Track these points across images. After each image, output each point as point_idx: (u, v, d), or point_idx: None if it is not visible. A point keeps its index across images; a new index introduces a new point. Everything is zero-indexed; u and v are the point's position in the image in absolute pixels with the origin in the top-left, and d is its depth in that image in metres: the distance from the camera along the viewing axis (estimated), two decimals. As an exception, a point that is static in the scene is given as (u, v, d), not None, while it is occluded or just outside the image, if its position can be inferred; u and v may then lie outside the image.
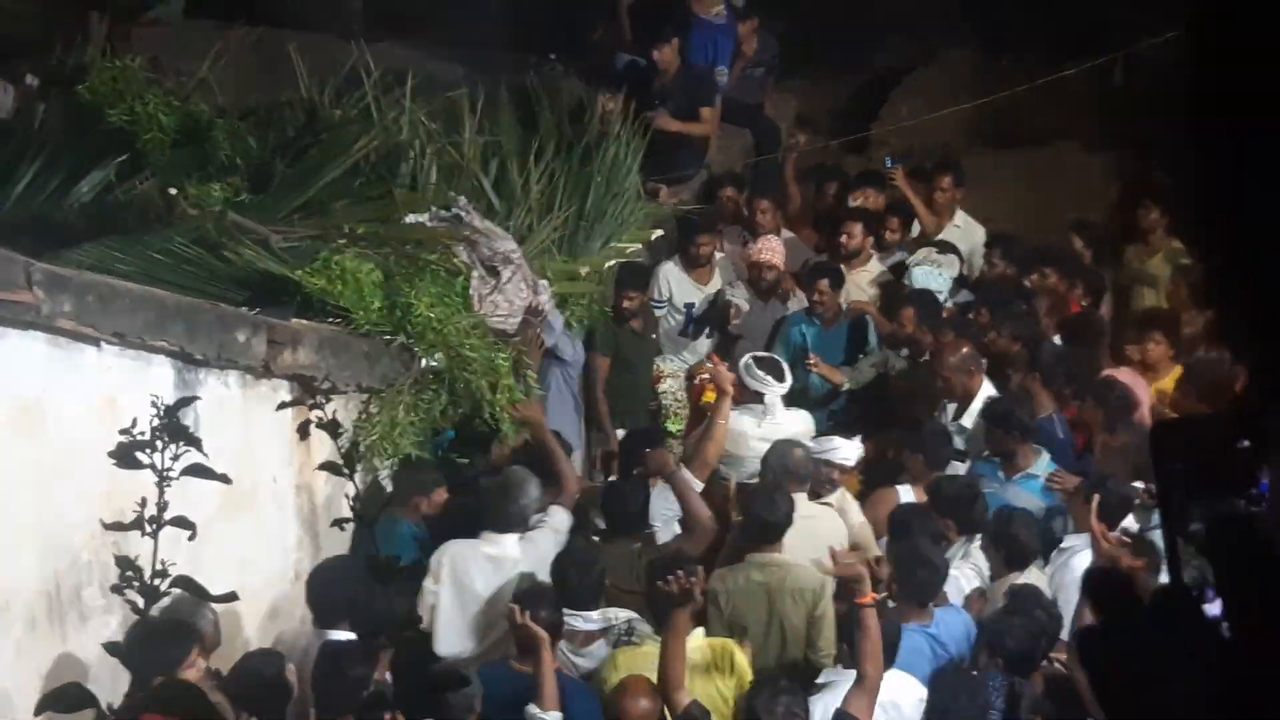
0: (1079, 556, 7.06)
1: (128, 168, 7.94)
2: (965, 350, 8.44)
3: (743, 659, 6.33)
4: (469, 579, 6.86)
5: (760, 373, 8.19)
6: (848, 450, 7.95)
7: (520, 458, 7.51)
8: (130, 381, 5.80)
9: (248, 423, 6.49)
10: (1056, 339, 9.10)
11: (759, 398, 8.14)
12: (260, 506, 6.72)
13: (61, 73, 8.50)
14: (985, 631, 6.32)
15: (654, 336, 9.58)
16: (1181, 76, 2.22)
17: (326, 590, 6.32)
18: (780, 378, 8.26)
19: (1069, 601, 6.69)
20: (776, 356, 8.64)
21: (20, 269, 5.24)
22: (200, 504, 6.07)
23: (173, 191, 7.59)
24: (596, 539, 7.32)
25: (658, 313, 9.79)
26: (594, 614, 6.58)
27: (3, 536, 5.30)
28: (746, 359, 8.38)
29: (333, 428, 3.45)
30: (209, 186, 7.82)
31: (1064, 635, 6.54)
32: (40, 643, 5.46)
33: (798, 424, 8.29)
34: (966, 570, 7.15)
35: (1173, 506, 2.38)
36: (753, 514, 7.09)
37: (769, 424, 8.06)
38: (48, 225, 7.37)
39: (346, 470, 3.41)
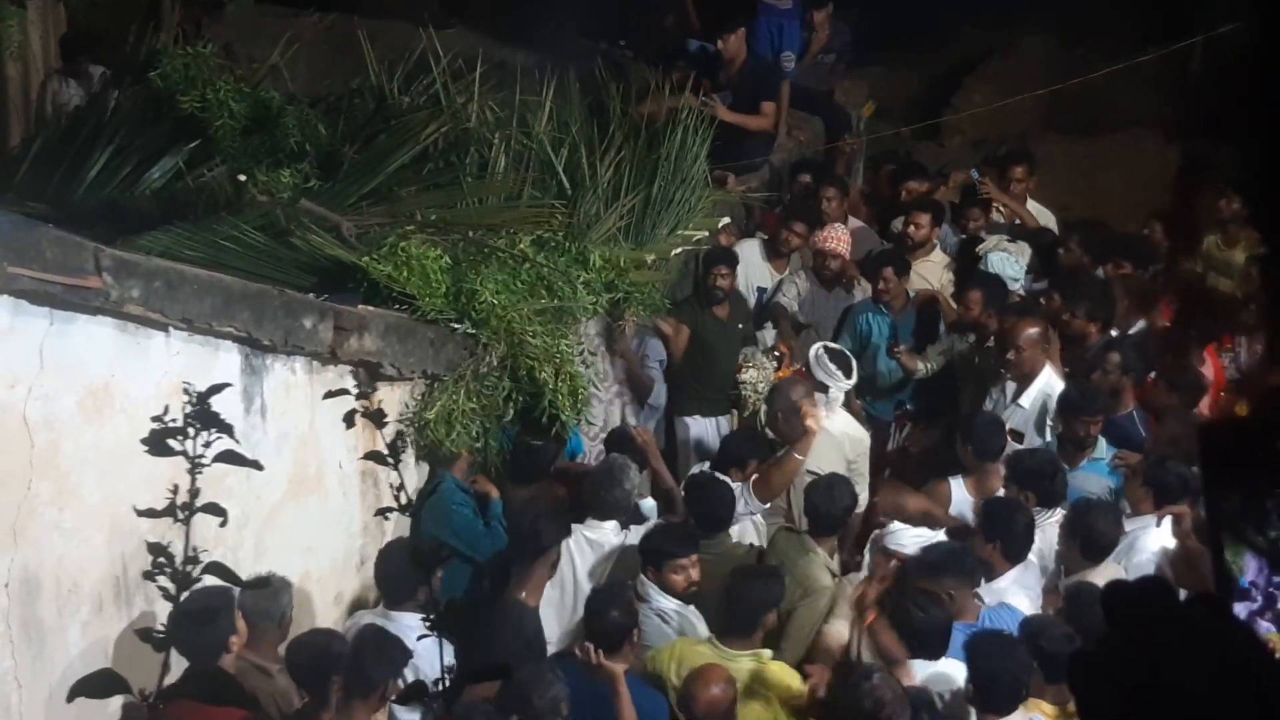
0: (1144, 539, 6.94)
1: (198, 154, 7.98)
2: (1037, 329, 8.33)
3: (781, 674, 6.26)
4: (566, 561, 6.90)
5: (831, 365, 8.21)
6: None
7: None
8: (198, 367, 5.84)
9: (313, 408, 6.51)
10: (1141, 324, 9.00)
11: (823, 387, 8.16)
12: (326, 492, 6.76)
13: (134, 60, 8.56)
14: (1022, 629, 6.17)
15: (740, 326, 9.46)
16: (1258, 62, 2.17)
17: (394, 571, 6.36)
18: (849, 374, 8.29)
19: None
20: (847, 352, 8.59)
21: (90, 255, 5.28)
22: (265, 490, 6.17)
23: (242, 178, 7.62)
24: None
25: None
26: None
27: (72, 520, 5.36)
28: (818, 349, 8.37)
29: (378, 417, 3.43)
30: (279, 173, 7.86)
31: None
32: (106, 625, 5.51)
33: (851, 430, 8.32)
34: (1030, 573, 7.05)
35: (1220, 506, 2.33)
36: (812, 505, 7.12)
37: (829, 419, 8.06)
38: (119, 212, 7.43)
39: (391, 460, 3.39)
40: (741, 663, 6.20)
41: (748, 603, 6.35)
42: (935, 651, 6.14)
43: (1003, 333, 8.48)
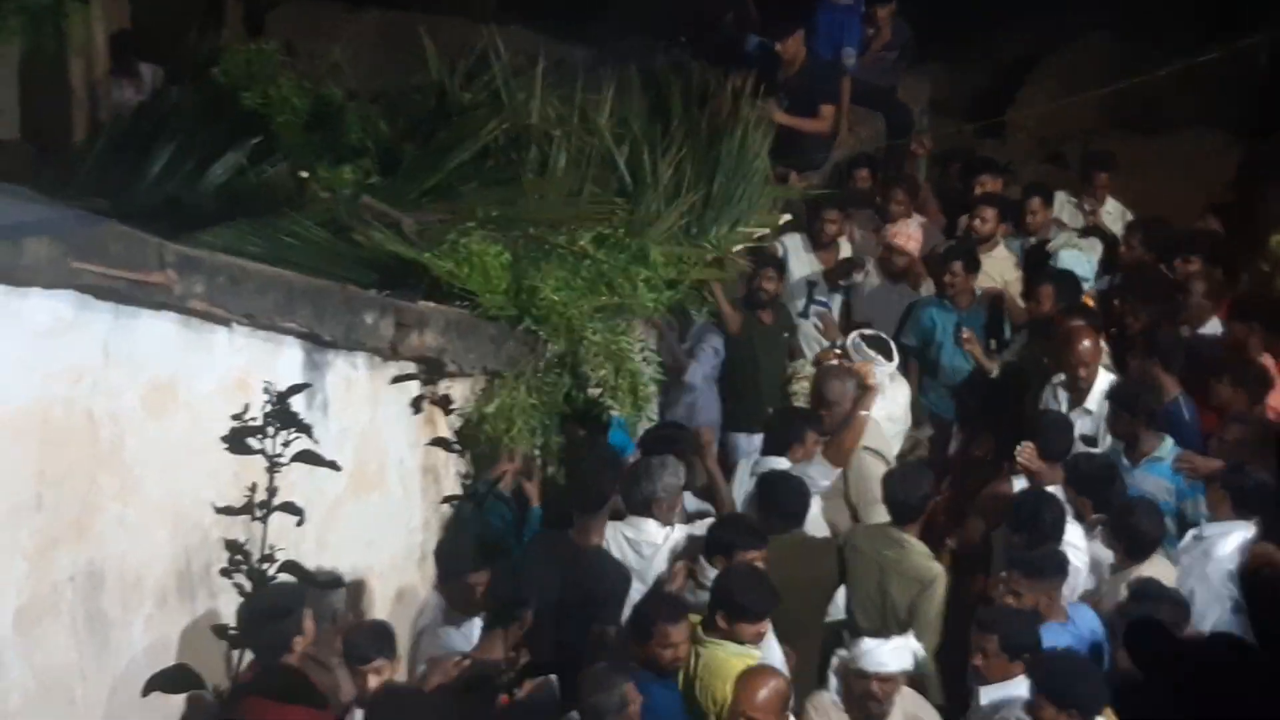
0: (1222, 545, 6.86)
1: (260, 151, 8.00)
2: (1090, 338, 8.29)
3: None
4: None
5: (870, 351, 8.32)
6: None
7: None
8: (260, 362, 5.85)
9: (375, 404, 6.52)
10: (1216, 323, 8.92)
11: None
12: (387, 487, 6.76)
13: (196, 57, 8.61)
14: (1118, 633, 6.14)
15: (786, 335, 9.41)
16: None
17: (455, 569, 6.38)
18: (889, 355, 8.41)
19: (1211, 593, 6.56)
20: (883, 335, 8.65)
21: (153, 250, 5.30)
22: (327, 485, 6.18)
23: (304, 174, 7.65)
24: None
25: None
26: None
27: (136, 514, 5.38)
28: (854, 337, 8.48)
29: (444, 403, 3.44)
30: (340, 169, 7.88)
31: (1203, 627, 6.42)
32: (170, 619, 5.53)
33: (902, 394, 8.58)
34: (1080, 562, 7.02)
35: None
36: (892, 493, 7.14)
37: (882, 401, 8.16)
38: (182, 208, 7.46)
39: (458, 446, 3.39)
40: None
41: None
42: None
43: (1063, 337, 8.42)
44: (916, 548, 7.02)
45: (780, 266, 9.31)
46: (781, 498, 7.12)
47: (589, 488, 6.76)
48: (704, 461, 7.67)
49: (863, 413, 7.71)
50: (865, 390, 7.80)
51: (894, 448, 8.40)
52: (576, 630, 6.37)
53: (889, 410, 8.36)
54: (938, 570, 6.94)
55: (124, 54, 9.63)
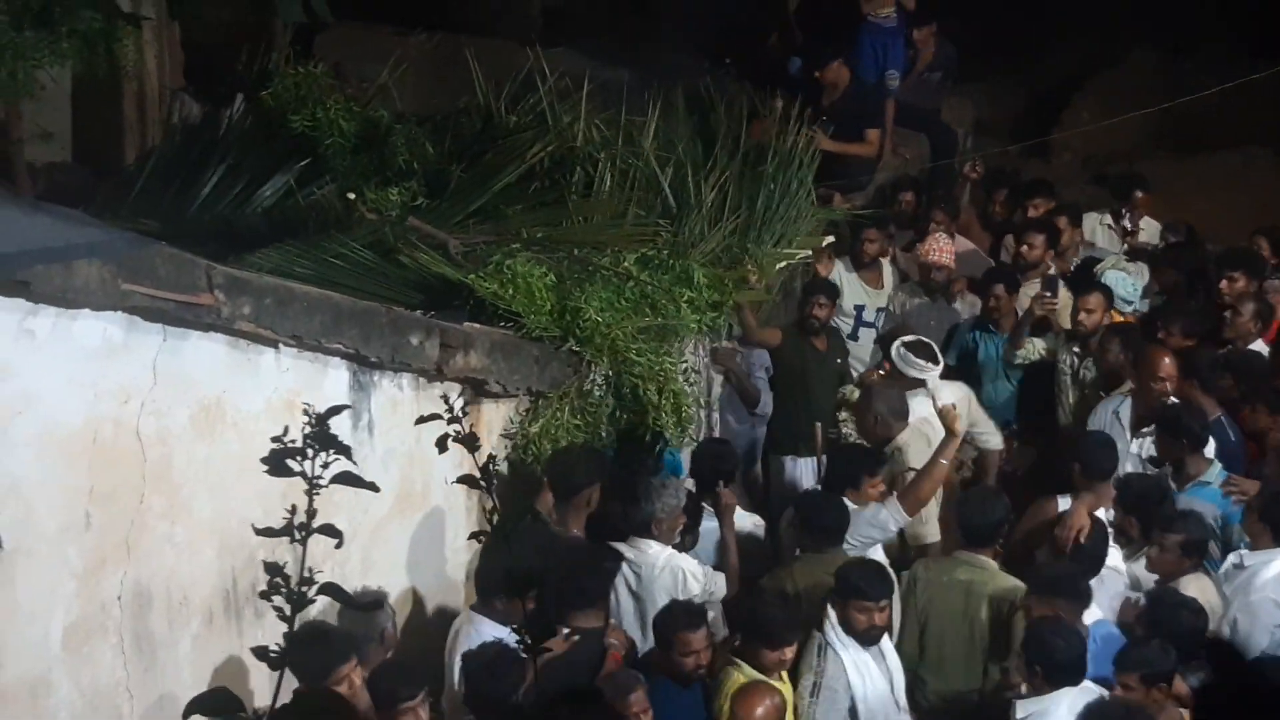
0: (1265, 573, 6.77)
1: (308, 173, 8.09)
2: (1165, 359, 8.22)
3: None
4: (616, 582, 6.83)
5: (916, 359, 8.35)
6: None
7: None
8: (307, 383, 5.92)
9: (420, 425, 6.54)
10: (1261, 344, 8.84)
11: (917, 383, 8.33)
12: (432, 507, 6.81)
13: (247, 80, 8.69)
14: (1126, 658, 6.07)
15: (838, 360, 9.31)
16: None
17: (493, 586, 6.35)
18: (935, 360, 8.43)
19: (1256, 624, 6.48)
20: (925, 340, 8.61)
21: (202, 272, 5.37)
22: (373, 506, 6.22)
23: (351, 196, 7.70)
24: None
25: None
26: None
27: (183, 534, 5.44)
28: (898, 345, 8.45)
29: (470, 441, 3.44)
30: (387, 191, 7.94)
31: (1249, 656, 6.36)
32: (216, 638, 5.59)
33: (959, 393, 8.50)
34: (1115, 577, 6.99)
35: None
36: (967, 516, 7.09)
37: (940, 401, 8.10)
38: (231, 229, 7.54)
39: (483, 483, 3.40)
40: None
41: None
42: (1078, 676, 6.02)
43: (1143, 359, 8.33)
44: (996, 569, 6.95)
45: (833, 293, 9.25)
46: (820, 516, 7.08)
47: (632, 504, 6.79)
48: (722, 524, 7.35)
49: (943, 461, 7.46)
50: (949, 438, 7.54)
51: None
52: None
53: (923, 413, 8.28)
54: (1021, 586, 6.77)
55: (198, 75, 9.72)
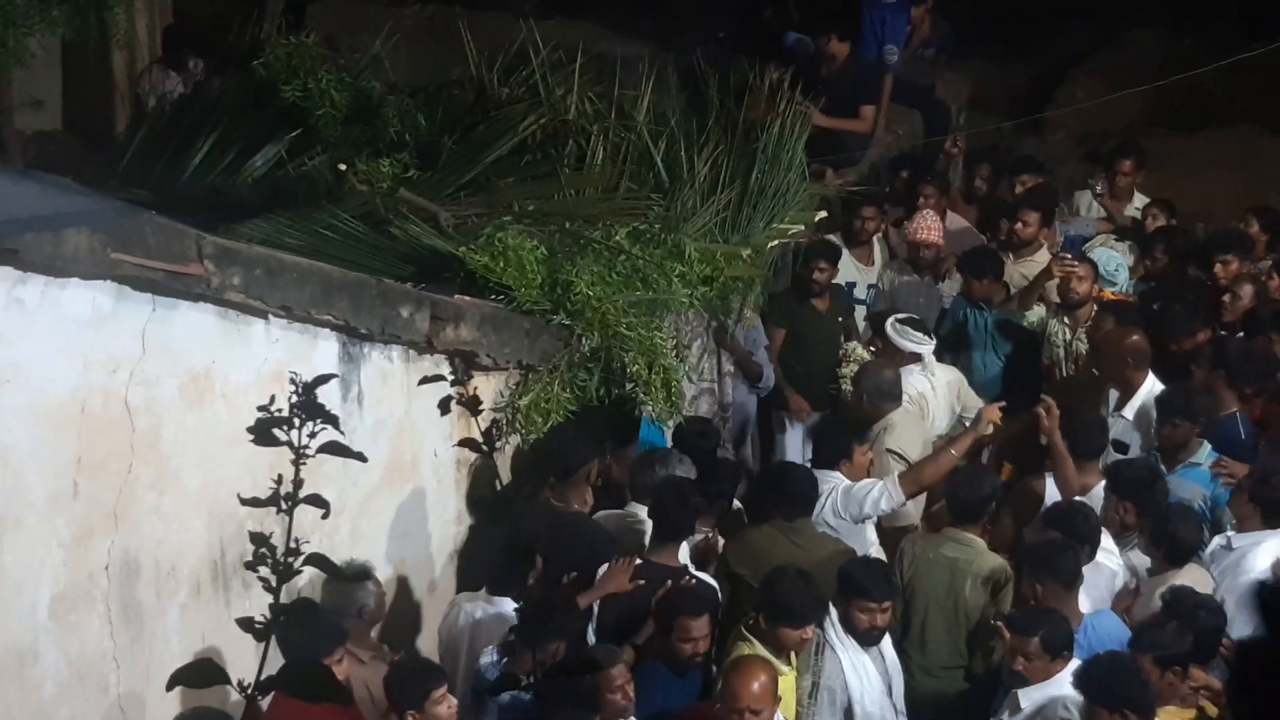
0: (1254, 556, 6.79)
1: (300, 144, 8.06)
2: (1133, 339, 8.20)
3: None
4: None
5: (911, 331, 8.51)
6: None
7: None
8: (297, 354, 5.90)
9: (410, 397, 6.55)
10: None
11: (913, 358, 8.48)
12: (422, 480, 6.79)
13: (237, 50, 8.65)
14: (1140, 640, 6.08)
15: (840, 319, 9.42)
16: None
17: (495, 561, 6.36)
18: (929, 334, 8.66)
19: (1245, 604, 6.48)
20: (916, 317, 8.75)
21: (192, 242, 5.35)
22: (361, 477, 6.21)
23: (343, 167, 7.69)
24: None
25: None
26: None
27: (171, 504, 5.43)
28: (892, 321, 8.58)
29: (473, 404, 3.45)
30: (378, 163, 7.93)
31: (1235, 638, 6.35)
32: (204, 608, 5.58)
33: (950, 376, 8.70)
34: (1113, 566, 6.98)
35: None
36: (955, 492, 7.10)
37: (934, 379, 8.37)
38: (221, 200, 7.52)
39: (485, 447, 3.40)
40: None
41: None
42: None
43: (1104, 339, 8.34)
44: (983, 547, 6.97)
45: (833, 255, 9.30)
46: (790, 485, 7.06)
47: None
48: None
49: (954, 452, 7.46)
50: (970, 432, 7.59)
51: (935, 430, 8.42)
52: None
53: (920, 388, 8.41)
54: (1009, 568, 6.85)
55: (176, 47, 9.68)
